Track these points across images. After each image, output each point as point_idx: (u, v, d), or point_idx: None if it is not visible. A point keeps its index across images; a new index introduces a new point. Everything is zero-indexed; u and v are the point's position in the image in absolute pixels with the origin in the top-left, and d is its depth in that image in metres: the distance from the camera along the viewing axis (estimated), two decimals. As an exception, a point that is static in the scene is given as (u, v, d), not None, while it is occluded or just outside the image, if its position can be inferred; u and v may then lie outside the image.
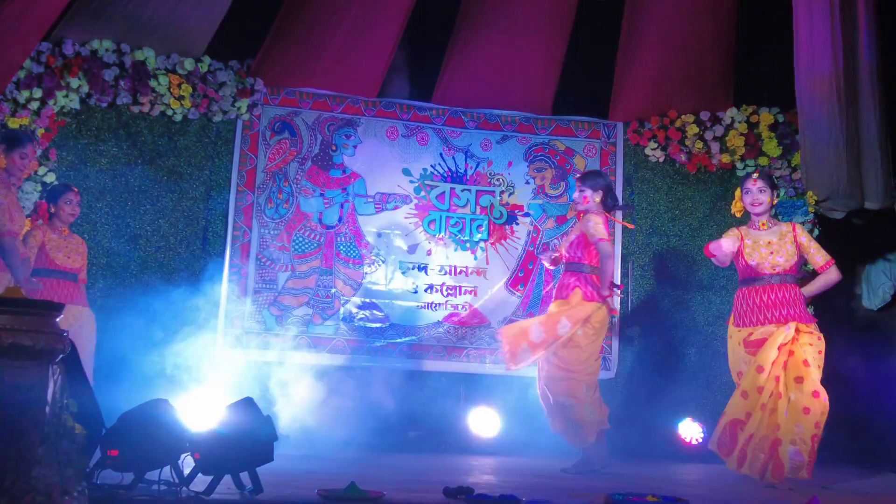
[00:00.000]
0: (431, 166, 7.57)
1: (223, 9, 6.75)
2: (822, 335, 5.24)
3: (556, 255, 5.90)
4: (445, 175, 7.59)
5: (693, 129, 7.57)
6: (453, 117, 7.66)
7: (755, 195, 5.37)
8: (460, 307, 7.43)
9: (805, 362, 5.11)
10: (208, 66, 7.03)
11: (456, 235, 7.52)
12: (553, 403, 5.57)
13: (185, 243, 7.01)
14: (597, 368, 5.67)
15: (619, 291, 5.87)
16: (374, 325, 7.29)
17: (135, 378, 6.12)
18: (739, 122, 7.56)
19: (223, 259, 7.06)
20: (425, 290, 7.41)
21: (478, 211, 7.58)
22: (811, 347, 5.16)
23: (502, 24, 7.33)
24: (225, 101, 7.06)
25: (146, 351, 6.35)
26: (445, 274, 7.45)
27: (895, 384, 6.97)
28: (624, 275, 7.55)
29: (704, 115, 7.58)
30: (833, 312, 6.36)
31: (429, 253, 7.46)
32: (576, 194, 5.79)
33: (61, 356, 2.87)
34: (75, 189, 6.02)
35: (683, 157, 7.63)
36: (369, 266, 7.36)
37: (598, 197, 5.68)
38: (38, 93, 6.48)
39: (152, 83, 6.84)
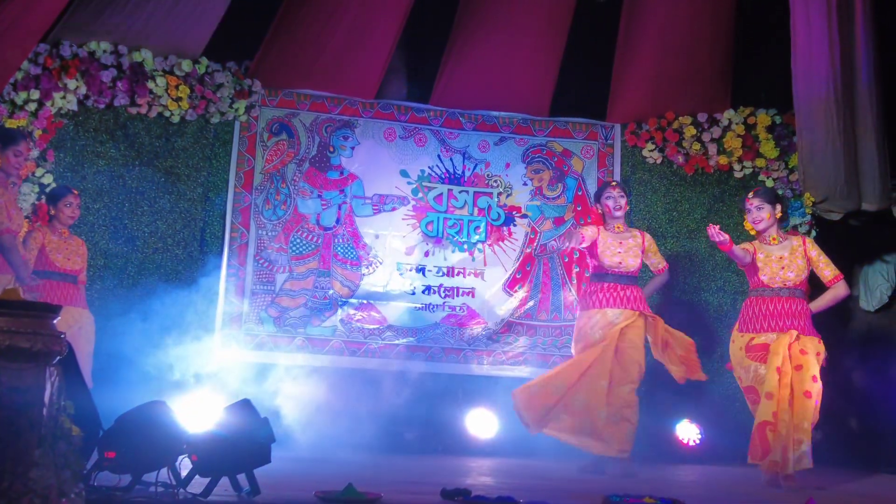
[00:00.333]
0: (429, 168, 7.57)
1: (221, 10, 6.75)
2: (823, 347, 5.33)
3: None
4: (443, 176, 7.59)
5: (690, 131, 7.58)
6: (451, 119, 7.66)
7: (754, 214, 5.48)
8: (458, 308, 7.43)
9: (803, 351, 5.21)
10: (206, 68, 7.03)
11: (453, 237, 7.52)
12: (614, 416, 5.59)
13: (182, 245, 7.00)
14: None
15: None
16: (372, 327, 7.29)
17: (132, 380, 6.12)
18: (737, 124, 7.58)
19: (221, 260, 7.06)
20: (423, 292, 7.41)
21: (475, 212, 7.58)
22: (811, 346, 5.26)
23: (500, 25, 7.34)
24: (223, 102, 7.06)
25: (143, 352, 6.34)
26: (443, 275, 7.46)
27: (891, 386, 6.98)
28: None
29: (702, 117, 7.59)
30: (830, 314, 6.37)
31: (426, 254, 7.46)
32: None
33: (58, 358, 2.87)
34: (75, 191, 6.02)
35: (681, 159, 7.64)
36: (367, 267, 7.36)
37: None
38: (35, 94, 6.48)
39: (150, 84, 6.84)
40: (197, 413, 5.04)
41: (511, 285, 7.52)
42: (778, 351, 5.21)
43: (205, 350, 6.66)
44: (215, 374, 6.61)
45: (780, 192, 7.44)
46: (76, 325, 5.68)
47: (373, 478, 4.76)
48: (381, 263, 7.39)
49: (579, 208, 7.66)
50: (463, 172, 7.62)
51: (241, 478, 3.82)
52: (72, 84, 6.61)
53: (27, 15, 5.74)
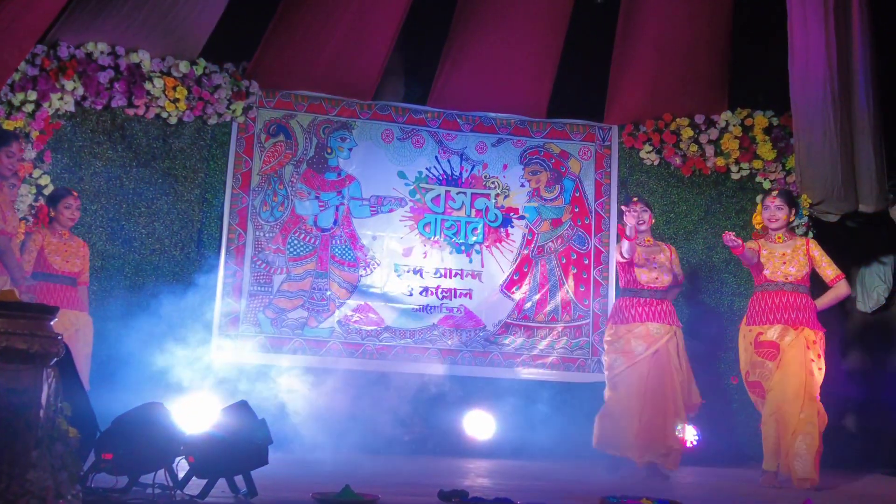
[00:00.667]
0: (426, 169, 7.57)
1: (218, 11, 6.74)
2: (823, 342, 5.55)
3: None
4: (440, 178, 7.59)
5: (688, 133, 7.58)
6: (448, 120, 7.66)
7: (773, 212, 5.69)
8: (455, 310, 7.43)
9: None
10: (203, 69, 7.03)
11: (451, 238, 7.52)
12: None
13: (179, 246, 7.00)
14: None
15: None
16: (369, 328, 7.29)
17: (129, 381, 6.11)
18: (734, 126, 7.58)
19: (218, 261, 7.05)
20: (420, 293, 7.41)
21: (473, 214, 7.58)
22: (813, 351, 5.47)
23: (497, 27, 7.34)
24: (220, 103, 7.05)
25: (140, 354, 6.33)
26: (440, 277, 7.46)
27: (887, 386, 6.99)
28: (618, 277, 7.54)
29: (699, 119, 7.60)
30: (827, 315, 6.39)
31: (424, 256, 7.46)
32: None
33: (55, 360, 2.87)
34: (75, 193, 6.01)
35: (678, 161, 7.65)
36: (364, 269, 7.36)
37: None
38: (32, 95, 6.47)
39: (147, 86, 6.84)
40: (194, 414, 5.05)
41: (508, 287, 7.53)
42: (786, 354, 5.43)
43: (202, 351, 6.65)
44: (212, 376, 6.60)
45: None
46: (72, 327, 5.65)
47: (370, 479, 4.76)
48: (378, 265, 7.39)
49: (576, 210, 7.66)
50: (460, 174, 7.62)
51: (239, 479, 3.82)
52: (69, 85, 6.60)
53: (25, 16, 5.72)
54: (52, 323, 2.89)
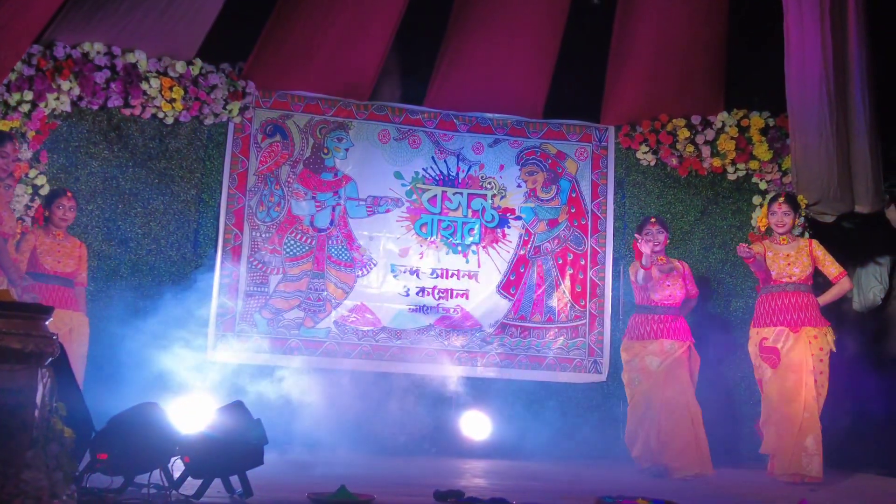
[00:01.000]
0: (423, 169, 7.58)
1: (215, 11, 6.74)
2: (831, 335, 5.86)
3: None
4: (437, 178, 7.59)
5: (684, 133, 7.59)
6: (445, 121, 7.66)
7: (780, 217, 6.00)
8: (452, 310, 7.43)
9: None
10: (200, 69, 7.02)
11: (448, 239, 7.52)
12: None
13: (175, 246, 7.00)
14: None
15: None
16: (366, 329, 7.29)
17: (125, 381, 6.10)
18: (730, 126, 7.59)
19: (214, 262, 7.05)
20: (417, 294, 7.41)
21: (469, 214, 7.58)
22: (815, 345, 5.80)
23: (494, 27, 7.34)
24: (216, 103, 7.05)
25: (136, 354, 6.32)
26: (437, 277, 7.45)
27: (883, 387, 6.99)
28: (615, 278, 7.57)
29: (695, 119, 7.61)
30: (826, 313, 6.42)
31: (420, 256, 7.46)
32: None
33: (51, 359, 2.87)
34: (69, 193, 6.00)
35: (674, 161, 7.65)
36: (361, 269, 7.36)
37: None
38: (28, 95, 6.47)
39: (143, 86, 6.83)
40: (189, 415, 5.03)
41: (505, 287, 7.53)
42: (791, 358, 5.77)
43: (198, 352, 6.65)
44: (208, 376, 6.59)
45: (773, 194, 7.47)
46: (65, 327, 5.63)
47: (365, 479, 4.76)
48: (374, 265, 7.39)
49: (573, 210, 7.67)
50: (457, 174, 7.62)
51: (234, 479, 3.82)
52: (65, 85, 6.60)
53: (21, 16, 5.72)
54: (47, 323, 2.89)
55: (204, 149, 7.15)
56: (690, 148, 7.61)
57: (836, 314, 7.47)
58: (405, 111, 7.63)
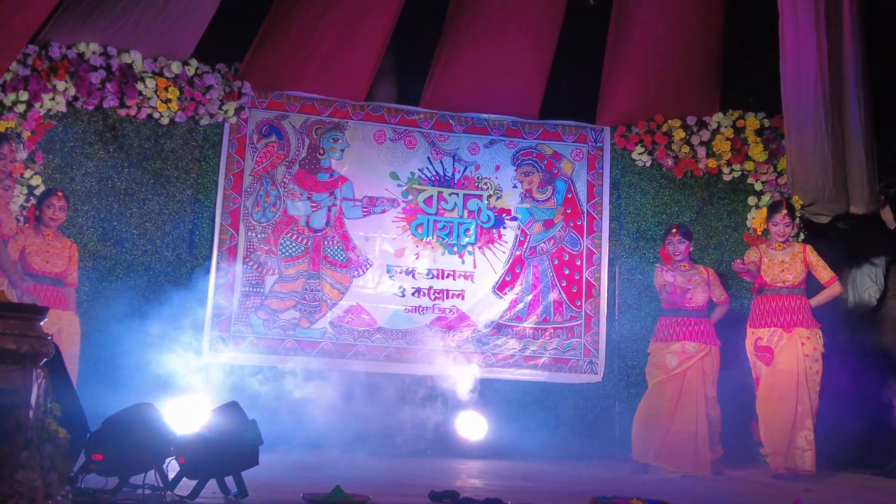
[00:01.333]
0: (419, 170, 7.58)
1: (210, 12, 6.74)
2: (821, 337, 6.11)
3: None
4: (433, 179, 7.59)
5: (680, 134, 7.59)
6: (441, 121, 7.66)
7: (781, 228, 6.24)
8: (448, 311, 7.43)
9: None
10: (195, 70, 7.02)
11: (443, 239, 7.52)
12: None
13: (171, 246, 6.99)
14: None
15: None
16: (362, 329, 7.28)
17: (120, 382, 6.10)
18: (726, 127, 7.60)
19: (210, 262, 7.04)
20: (413, 294, 7.41)
21: (465, 215, 7.58)
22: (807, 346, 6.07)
23: (490, 28, 7.34)
24: (212, 104, 7.04)
25: (131, 354, 6.33)
26: (433, 278, 7.45)
27: (878, 387, 7.01)
28: (611, 279, 7.58)
29: (691, 120, 7.61)
30: (817, 316, 6.44)
31: (416, 256, 7.45)
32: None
33: (45, 360, 2.86)
34: (60, 193, 5.98)
35: (670, 162, 7.66)
36: (357, 270, 7.36)
37: None
38: (24, 95, 6.45)
39: (139, 86, 6.82)
40: (185, 415, 5.03)
41: (501, 288, 7.53)
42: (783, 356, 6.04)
43: (193, 352, 6.65)
44: (204, 377, 6.59)
45: (768, 195, 7.50)
46: (54, 327, 5.61)
47: (361, 480, 4.76)
48: (370, 266, 7.38)
49: (569, 211, 7.67)
50: (453, 175, 7.62)
51: (229, 480, 3.82)
52: (61, 85, 6.59)
53: (16, 16, 5.72)
54: (41, 323, 2.89)
55: (200, 149, 7.15)
56: (686, 149, 7.61)
57: (830, 314, 7.49)
58: (401, 112, 7.63)
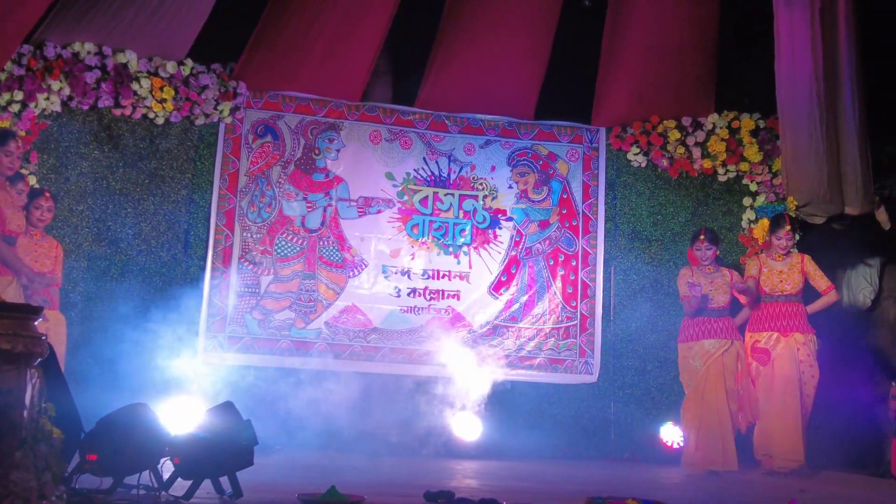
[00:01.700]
0: (415, 170, 7.57)
1: (206, 12, 6.73)
2: (815, 342, 6.33)
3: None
4: (428, 179, 7.59)
5: (675, 135, 7.60)
6: (436, 122, 7.66)
7: (785, 242, 6.47)
8: (443, 311, 7.43)
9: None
10: (191, 70, 7.01)
11: (439, 239, 7.52)
12: None
13: (166, 247, 6.98)
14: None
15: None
16: (357, 329, 7.28)
17: (114, 382, 6.08)
18: (721, 128, 7.61)
19: (205, 262, 7.03)
20: (408, 294, 7.41)
21: (461, 215, 7.58)
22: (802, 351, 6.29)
23: (486, 28, 7.34)
24: (207, 104, 7.04)
25: (126, 355, 6.31)
26: (428, 278, 7.45)
27: (874, 388, 7.02)
28: (606, 279, 7.58)
29: (686, 121, 7.62)
30: (813, 317, 6.46)
31: (412, 257, 7.45)
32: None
33: (39, 360, 2.86)
34: (47, 193, 5.97)
35: (665, 162, 7.67)
36: (352, 270, 7.35)
37: None
38: (18, 95, 6.45)
39: (134, 86, 6.81)
40: (179, 415, 5.03)
41: (496, 288, 7.53)
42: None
43: (188, 352, 6.64)
44: (198, 377, 6.58)
45: (763, 195, 7.52)
46: (45, 327, 5.61)
47: (356, 480, 4.76)
48: (366, 266, 7.38)
49: (564, 211, 7.67)
50: (448, 175, 7.62)
51: (224, 480, 3.81)
52: (55, 85, 6.58)
53: (11, 16, 5.71)
54: (36, 323, 2.88)
55: (195, 149, 7.14)
56: (681, 149, 7.62)
57: (825, 314, 7.51)
58: (396, 112, 7.62)
